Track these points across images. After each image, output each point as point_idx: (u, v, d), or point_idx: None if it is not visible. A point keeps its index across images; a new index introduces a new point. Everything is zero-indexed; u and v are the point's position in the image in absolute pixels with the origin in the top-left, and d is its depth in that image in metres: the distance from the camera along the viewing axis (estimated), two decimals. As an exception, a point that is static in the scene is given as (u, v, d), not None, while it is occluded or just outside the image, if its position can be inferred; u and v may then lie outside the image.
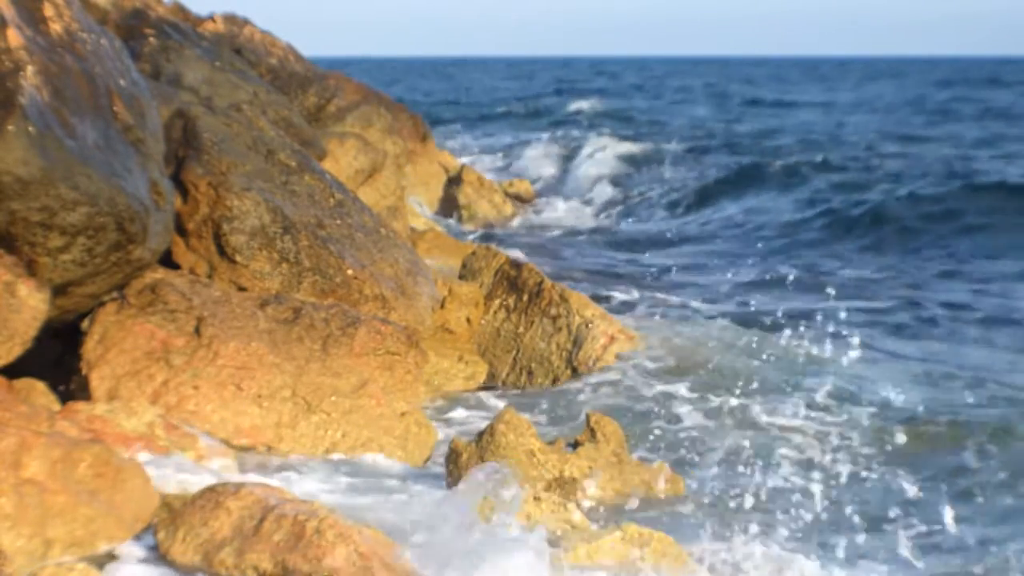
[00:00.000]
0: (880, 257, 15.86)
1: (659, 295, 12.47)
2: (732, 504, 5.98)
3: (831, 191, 20.92)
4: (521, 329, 8.85)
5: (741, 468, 6.44)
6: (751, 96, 55.22)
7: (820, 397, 8.15)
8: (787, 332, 8.99)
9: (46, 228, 5.46)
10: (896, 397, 8.16)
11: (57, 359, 6.31)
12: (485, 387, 8.61)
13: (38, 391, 5.91)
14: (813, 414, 7.95)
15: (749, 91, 60.54)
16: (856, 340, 6.71)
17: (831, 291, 11.02)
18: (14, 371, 5.65)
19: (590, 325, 8.57)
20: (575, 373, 8.47)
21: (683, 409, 7.96)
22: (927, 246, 16.45)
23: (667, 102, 51.36)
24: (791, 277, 13.19)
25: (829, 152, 25.89)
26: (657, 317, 10.74)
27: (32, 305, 5.48)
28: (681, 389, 8.29)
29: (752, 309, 11.33)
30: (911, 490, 5.88)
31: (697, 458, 7.02)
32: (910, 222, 17.64)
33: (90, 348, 6.16)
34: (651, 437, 7.33)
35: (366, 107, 15.05)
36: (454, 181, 18.86)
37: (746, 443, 6.93)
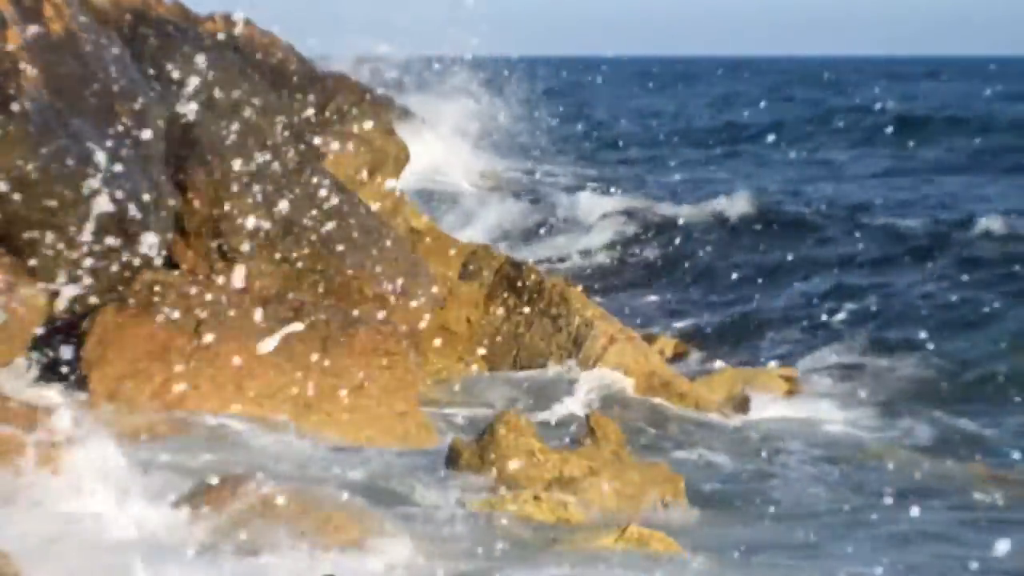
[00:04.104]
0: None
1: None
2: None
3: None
4: (521, 329, 8.84)
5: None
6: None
7: None
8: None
9: (46, 228, 5.46)
10: None
11: (57, 359, 6.30)
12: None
13: (38, 391, 5.91)
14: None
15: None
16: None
17: None
18: (14, 371, 5.65)
19: (590, 325, 8.57)
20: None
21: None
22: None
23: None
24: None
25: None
26: None
27: (32, 305, 5.48)
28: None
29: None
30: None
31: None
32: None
33: (90, 348, 6.15)
34: None
35: (366, 107, 15.04)
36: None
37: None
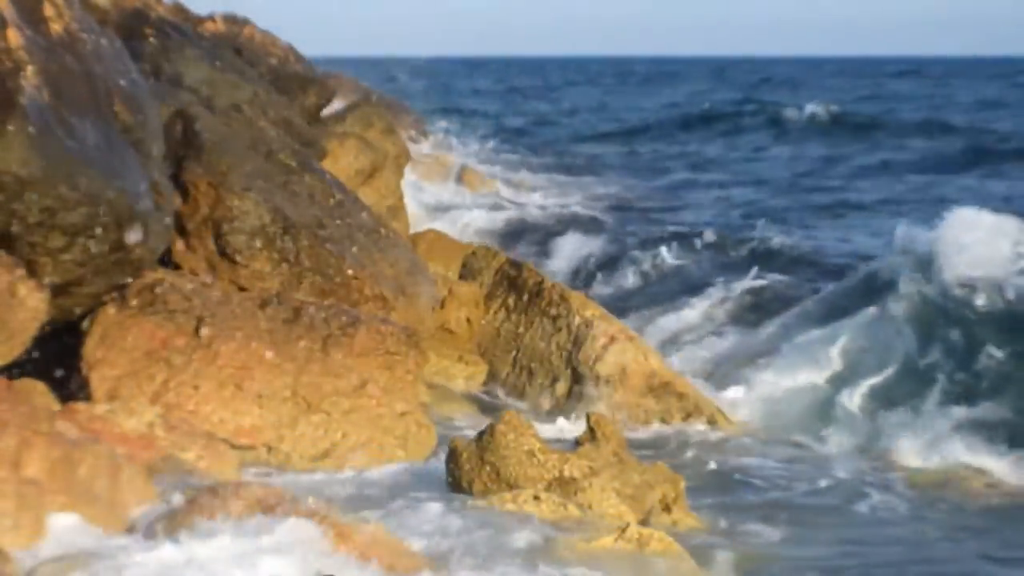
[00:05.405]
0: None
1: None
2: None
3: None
4: (521, 329, 8.85)
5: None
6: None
7: None
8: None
9: (46, 228, 5.45)
10: None
11: (57, 359, 6.31)
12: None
13: (38, 391, 5.90)
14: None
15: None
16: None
17: None
18: (14, 371, 5.65)
19: (590, 325, 8.57)
20: (575, 373, 8.47)
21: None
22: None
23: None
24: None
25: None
26: None
27: (32, 305, 5.48)
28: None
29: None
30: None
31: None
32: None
33: (90, 348, 6.16)
34: None
35: (366, 107, 15.06)
36: (454, 180, 18.92)
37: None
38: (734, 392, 9.05)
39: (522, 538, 4.70)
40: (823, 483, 7.22)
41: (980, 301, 9.60)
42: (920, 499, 7.01)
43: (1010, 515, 6.94)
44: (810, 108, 35.21)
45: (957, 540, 6.25)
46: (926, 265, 10.11)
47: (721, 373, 9.65)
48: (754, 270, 12.64)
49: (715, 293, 12.02)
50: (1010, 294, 9.61)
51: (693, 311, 11.61)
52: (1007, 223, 10.48)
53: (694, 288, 12.34)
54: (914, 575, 5.61)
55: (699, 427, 8.23)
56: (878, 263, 10.95)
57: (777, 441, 8.24)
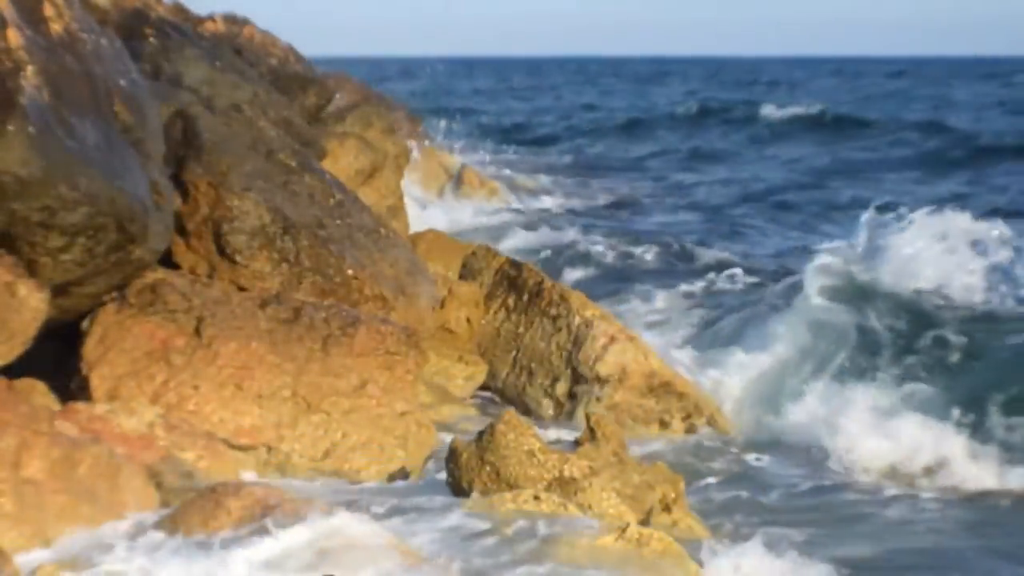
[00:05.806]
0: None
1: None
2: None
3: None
4: (521, 329, 8.85)
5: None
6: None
7: None
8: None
9: (46, 228, 5.45)
10: None
11: (57, 359, 6.31)
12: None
13: (38, 391, 5.91)
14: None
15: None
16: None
17: None
18: (14, 371, 5.65)
19: (590, 325, 8.58)
20: (575, 373, 8.47)
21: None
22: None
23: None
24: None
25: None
26: None
27: (32, 305, 5.48)
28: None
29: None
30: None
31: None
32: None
33: (90, 348, 6.15)
34: None
35: (366, 107, 15.09)
36: (454, 181, 18.93)
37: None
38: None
39: (522, 538, 4.70)
40: (824, 482, 7.22)
41: (930, 296, 9.74)
42: (919, 497, 7.02)
43: (1013, 513, 6.95)
44: (804, 107, 35.38)
45: (965, 539, 6.25)
46: (878, 258, 10.26)
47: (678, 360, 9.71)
48: (729, 268, 12.76)
49: (683, 287, 12.16)
50: (962, 291, 9.75)
51: (659, 303, 11.71)
52: (972, 224, 10.60)
53: (665, 283, 12.45)
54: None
55: (699, 427, 8.24)
56: (826, 257, 10.98)
57: (775, 440, 8.25)
